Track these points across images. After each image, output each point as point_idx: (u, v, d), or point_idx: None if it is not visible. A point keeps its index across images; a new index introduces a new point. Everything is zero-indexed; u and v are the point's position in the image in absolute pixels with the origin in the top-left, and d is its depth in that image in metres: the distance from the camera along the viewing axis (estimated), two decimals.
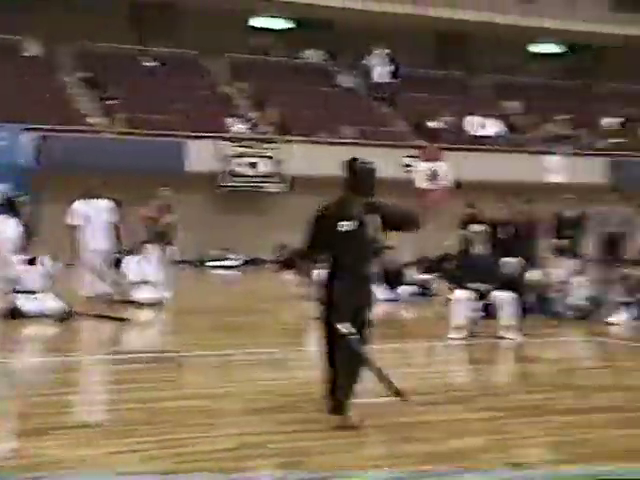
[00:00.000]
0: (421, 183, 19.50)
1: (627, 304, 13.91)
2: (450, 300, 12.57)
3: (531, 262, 15.35)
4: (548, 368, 10.35)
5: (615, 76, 33.81)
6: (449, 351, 11.38)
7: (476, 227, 13.34)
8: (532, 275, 15.00)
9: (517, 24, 32.39)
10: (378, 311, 15.14)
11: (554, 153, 29.46)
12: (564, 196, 16.20)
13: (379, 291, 16.56)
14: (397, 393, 6.81)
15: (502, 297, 12.18)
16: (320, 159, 24.89)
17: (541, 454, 6.29)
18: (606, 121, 32.40)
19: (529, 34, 33.68)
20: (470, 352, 11.32)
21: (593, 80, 34.76)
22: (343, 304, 6.71)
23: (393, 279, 16.88)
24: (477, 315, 12.30)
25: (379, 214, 6.86)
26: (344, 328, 6.63)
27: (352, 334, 6.64)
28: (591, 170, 28.66)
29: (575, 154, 29.68)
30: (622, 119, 32.53)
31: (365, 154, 7.42)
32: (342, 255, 6.80)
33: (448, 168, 19.04)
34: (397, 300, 16.51)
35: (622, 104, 33.42)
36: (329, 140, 27.19)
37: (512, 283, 13.46)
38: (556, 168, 29.03)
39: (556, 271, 15.13)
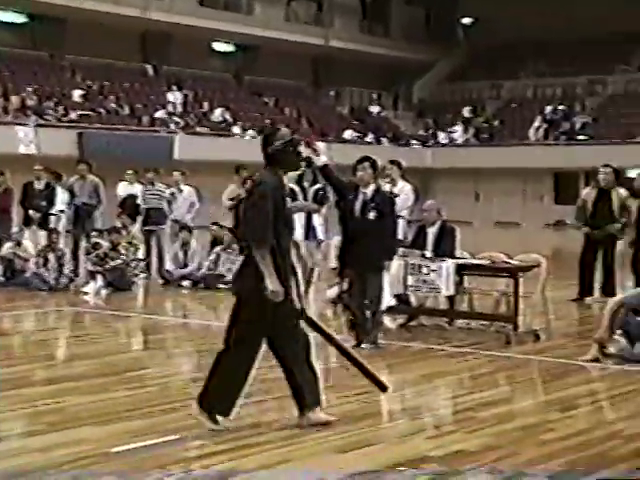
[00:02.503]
0: None
1: (97, 273, 14.41)
2: None
3: (4, 234, 15.33)
4: (23, 340, 10.51)
5: (79, 48, 34.31)
6: None
7: None
8: (5, 247, 14.97)
9: None
10: None
11: (24, 124, 29.27)
12: (35, 167, 16.34)
13: None
14: None
15: None
16: None
17: (16, 427, 6.50)
18: (76, 93, 32.83)
19: None
20: None
21: (57, 51, 34.99)
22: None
23: None
24: None
25: None
26: None
27: None
28: (60, 142, 28.88)
29: (44, 125, 29.73)
30: (86, 91, 33.23)
31: None
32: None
33: None
34: None
35: (86, 76, 34.19)
36: None
37: None
38: (27, 139, 28.89)
39: (29, 243, 15.24)
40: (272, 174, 6.41)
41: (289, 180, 10.71)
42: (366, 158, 9.67)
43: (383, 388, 6.67)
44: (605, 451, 5.92)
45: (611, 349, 8.94)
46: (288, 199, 6.70)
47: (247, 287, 6.29)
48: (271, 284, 6.15)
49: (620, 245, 13.20)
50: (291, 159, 6.51)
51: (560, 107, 40.79)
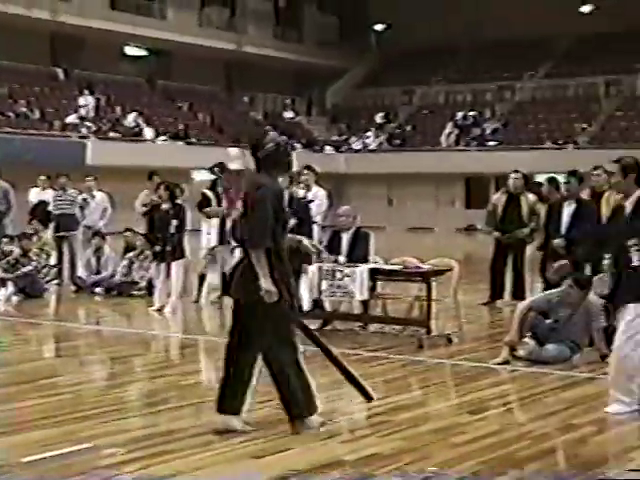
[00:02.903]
0: None
1: (7, 280, 14.20)
2: None
3: None
4: None
5: None
6: None
7: None
8: None
9: None
10: None
11: None
12: None
13: None
14: None
15: None
16: None
17: None
18: None
19: None
20: None
21: None
22: None
23: None
24: None
25: None
26: None
27: None
28: None
29: None
30: None
31: None
32: None
33: None
34: None
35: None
36: None
37: None
38: None
39: None
40: (269, 177, 6.46)
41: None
42: None
43: (369, 398, 6.70)
44: (514, 452, 6.04)
45: (521, 352, 9.13)
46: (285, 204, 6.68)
47: (251, 294, 6.30)
48: (265, 284, 6.21)
49: (529, 249, 13.45)
50: (283, 161, 6.58)
51: (470, 113, 41.40)
